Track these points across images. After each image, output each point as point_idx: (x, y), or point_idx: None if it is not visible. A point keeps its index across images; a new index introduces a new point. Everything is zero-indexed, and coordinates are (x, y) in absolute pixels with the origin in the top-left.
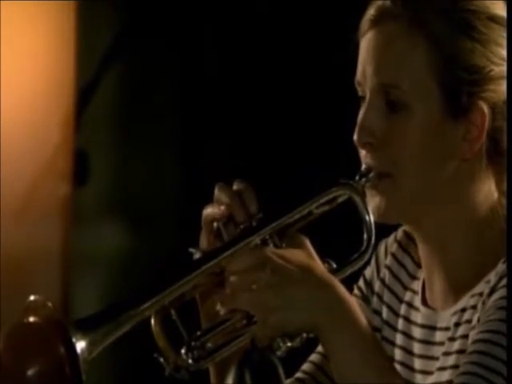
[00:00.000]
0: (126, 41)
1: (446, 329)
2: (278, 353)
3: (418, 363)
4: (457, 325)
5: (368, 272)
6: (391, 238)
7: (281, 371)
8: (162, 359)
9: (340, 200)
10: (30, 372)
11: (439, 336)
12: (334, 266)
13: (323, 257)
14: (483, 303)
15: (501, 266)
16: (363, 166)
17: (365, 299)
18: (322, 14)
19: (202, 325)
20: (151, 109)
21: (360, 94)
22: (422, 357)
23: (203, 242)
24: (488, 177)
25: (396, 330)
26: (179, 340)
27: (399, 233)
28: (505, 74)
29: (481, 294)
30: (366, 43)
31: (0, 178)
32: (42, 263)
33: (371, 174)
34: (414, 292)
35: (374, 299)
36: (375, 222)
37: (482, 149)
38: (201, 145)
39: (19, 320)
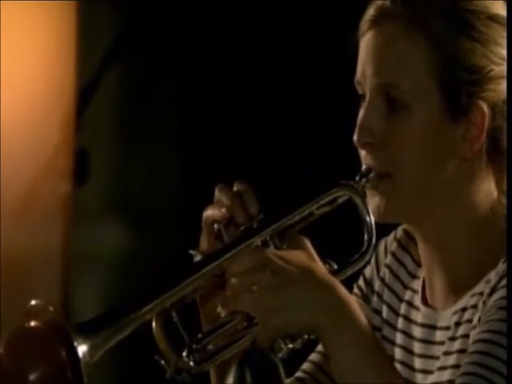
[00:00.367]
0: (127, 40)
1: (447, 328)
2: (280, 354)
3: (418, 362)
4: (457, 324)
5: (368, 271)
6: (391, 237)
7: (281, 370)
8: (163, 362)
9: (340, 201)
10: (31, 376)
11: (439, 335)
12: (335, 266)
13: (324, 257)
14: (484, 303)
15: (501, 266)
16: (363, 167)
17: (365, 298)
18: (322, 14)
19: (202, 327)
20: (151, 108)
21: (360, 92)
22: (422, 356)
23: (203, 243)
24: (488, 176)
25: (396, 329)
26: (180, 342)
27: (399, 231)
28: (505, 73)
29: (481, 294)
30: (365, 43)
31: (0, 177)
32: (42, 262)
33: (371, 175)
34: (414, 291)
35: (374, 298)
36: (375, 222)
37: (482, 148)
38: (201, 145)
39: (20, 324)
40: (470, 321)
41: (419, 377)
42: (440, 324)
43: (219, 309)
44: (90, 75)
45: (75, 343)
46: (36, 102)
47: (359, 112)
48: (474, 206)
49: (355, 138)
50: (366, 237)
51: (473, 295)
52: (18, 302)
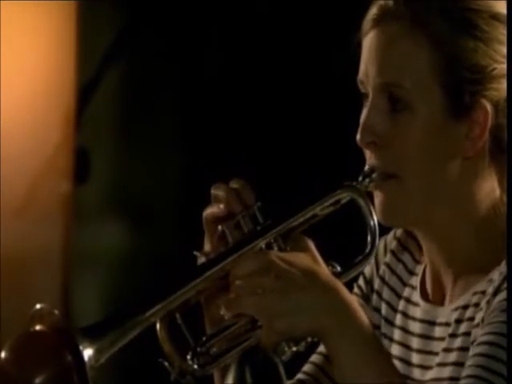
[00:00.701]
0: (127, 40)
1: (447, 324)
2: (283, 357)
3: (415, 358)
4: (458, 321)
5: (368, 270)
6: (390, 236)
7: (281, 370)
8: (167, 364)
9: (343, 202)
10: (36, 381)
11: (438, 331)
12: (338, 268)
13: (327, 259)
14: (488, 302)
15: (504, 266)
16: (366, 167)
17: (365, 298)
18: (322, 14)
19: (206, 330)
20: (151, 108)
21: (363, 91)
22: (420, 351)
23: (206, 244)
24: (490, 175)
25: (394, 326)
26: (185, 345)
27: (398, 230)
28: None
29: (483, 292)
30: (368, 43)
31: (0, 176)
32: (42, 262)
33: (374, 175)
34: (413, 287)
35: (374, 296)
36: (378, 223)
37: (484, 147)
38: (201, 145)
39: (25, 329)
40: (471, 319)
41: (416, 372)
42: (439, 320)
43: (223, 311)
44: (90, 75)
45: (80, 347)
46: (36, 102)
47: (362, 112)
48: (476, 204)
49: (358, 137)
50: (369, 238)
51: (475, 293)
52: (18, 301)
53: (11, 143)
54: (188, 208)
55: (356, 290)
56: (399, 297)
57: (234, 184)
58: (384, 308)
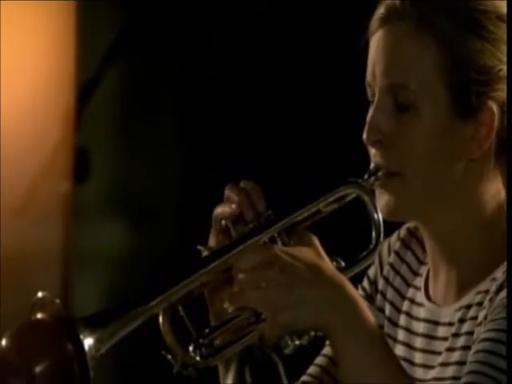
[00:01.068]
0: (127, 39)
1: (450, 324)
2: (286, 351)
3: (419, 357)
4: (461, 321)
5: (372, 271)
6: (394, 237)
7: (281, 369)
8: (169, 356)
9: (348, 199)
10: (37, 369)
11: (442, 331)
12: (343, 264)
13: (331, 255)
14: (490, 300)
15: (506, 263)
16: (372, 165)
17: (369, 298)
18: (323, 14)
19: (211, 323)
20: (151, 108)
21: (370, 98)
22: (423, 351)
23: (212, 240)
24: (496, 177)
25: (397, 326)
26: (187, 338)
27: (402, 231)
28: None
29: (486, 292)
30: (375, 43)
31: (0, 175)
32: (42, 261)
33: (380, 173)
34: (417, 288)
35: (378, 297)
36: (383, 221)
37: (490, 148)
38: (201, 145)
39: (27, 317)
40: (474, 318)
41: (419, 371)
42: (443, 320)
43: (226, 304)
44: (90, 74)
45: (81, 336)
46: (36, 101)
47: (368, 111)
48: (481, 205)
49: (364, 136)
50: (374, 234)
51: (478, 292)
52: (18, 300)
53: (11, 143)
54: (188, 208)
55: (360, 291)
56: (403, 297)
57: (245, 185)
58: (388, 308)
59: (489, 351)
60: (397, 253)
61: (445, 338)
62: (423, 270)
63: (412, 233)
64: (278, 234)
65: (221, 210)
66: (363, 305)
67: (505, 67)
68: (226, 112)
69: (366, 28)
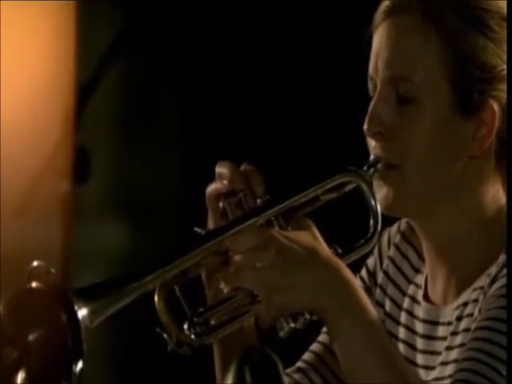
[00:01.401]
0: (127, 39)
1: (449, 323)
2: (281, 333)
3: (420, 358)
4: (459, 319)
5: (371, 262)
6: (394, 228)
7: (281, 368)
8: (164, 335)
9: (347, 188)
10: (31, 337)
11: (441, 331)
12: (340, 251)
13: (329, 243)
14: (484, 294)
15: (501, 257)
16: (371, 157)
17: (367, 290)
18: (322, 14)
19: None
20: (151, 108)
21: (371, 93)
22: (424, 352)
23: (210, 222)
24: (496, 178)
25: (399, 324)
26: (182, 317)
27: (402, 224)
28: None
29: (482, 288)
30: (378, 35)
31: (0, 175)
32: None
33: (379, 165)
34: (418, 286)
35: (377, 291)
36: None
37: (491, 148)
38: (201, 144)
39: (21, 286)
40: (471, 315)
41: (421, 373)
42: (442, 320)
43: (222, 285)
44: (89, 74)
45: (75, 307)
46: (36, 101)
47: (369, 104)
48: (480, 205)
49: (365, 127)
50: (371, 222)
51: (474, 289)
52: None
53: (11, 143)
54: (188, 208)
55: (358, 281)
56: (404, 294)
57: (245, 167)
58: (388, 304)
59: (483, 339)
60: (397, 246)
61: (444, 338)
62: (424, 268)
63: (412, 226)
64: (275, 217)
65: (213, 186)
66: (359, 288)
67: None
68: (226, 112)
69: (367, 26)
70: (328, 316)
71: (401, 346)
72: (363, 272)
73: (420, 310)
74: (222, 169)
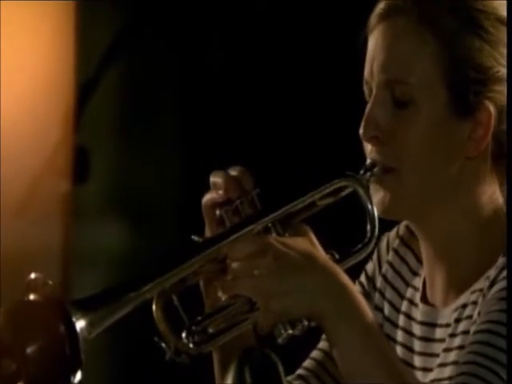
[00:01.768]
0: (127, 39)
1: (447, 325)
2: (279, 340)
3: (418, 360)
4: (457, 321)
5: (370, 267)
6: (393, 233)
7: (280, 369)
8: (162, 343)
9: (344, 193)
10: (29, 349)
11: (439, 333)
12: (337, 257)
13: (326, 249)
14: (483, 296)
15: (500, 260)
16: (368, 161)
17: (366, 295)
18: (322, 14)
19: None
20: (151, 108)
21: (367, 97)
22: (422, 354)
23: (207, 231)
24: (493, 181)
25: (397, 327)
26: (181, 326)
27: (401, 228)
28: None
29: (481, 290)
30: (374, 38)
31: (0, 175)
32: (42, 261)
33: (376, 169)
34: (415, 289)
35: (376, 295)
36: (378, 217)
37: (487, 149)
38: (201, 145)
39: (19, 298)
40: (470, 317)
41: (419, 375)
42: (440, 321)
43: (220, 293)
44: (89, 74)
45: (73, 318)
46: (36, 101)
47: (365, 107)
48: (478, 207)
49: (361, 131)
50: (368, 227)
51: (473, 292)
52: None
53: (11, 143)
54: (188, 208)
55: (357, 287)
56: (402, 297)
57: (232, 171)
58: (387, 308)
59: (482, 342)
60: (396, 251)
61: (442, 340)
62: (422, 270)
63: (411, 230)
64: (272, 224)
65: (209, 197)
66: (357, 293)
67: (502, 69)
68: (225, 112)
69: (365, 27)
70: (326, 321)
71: (399, 349)
72: (362, 277)
73: (418, 313)
74: (216, 178)
